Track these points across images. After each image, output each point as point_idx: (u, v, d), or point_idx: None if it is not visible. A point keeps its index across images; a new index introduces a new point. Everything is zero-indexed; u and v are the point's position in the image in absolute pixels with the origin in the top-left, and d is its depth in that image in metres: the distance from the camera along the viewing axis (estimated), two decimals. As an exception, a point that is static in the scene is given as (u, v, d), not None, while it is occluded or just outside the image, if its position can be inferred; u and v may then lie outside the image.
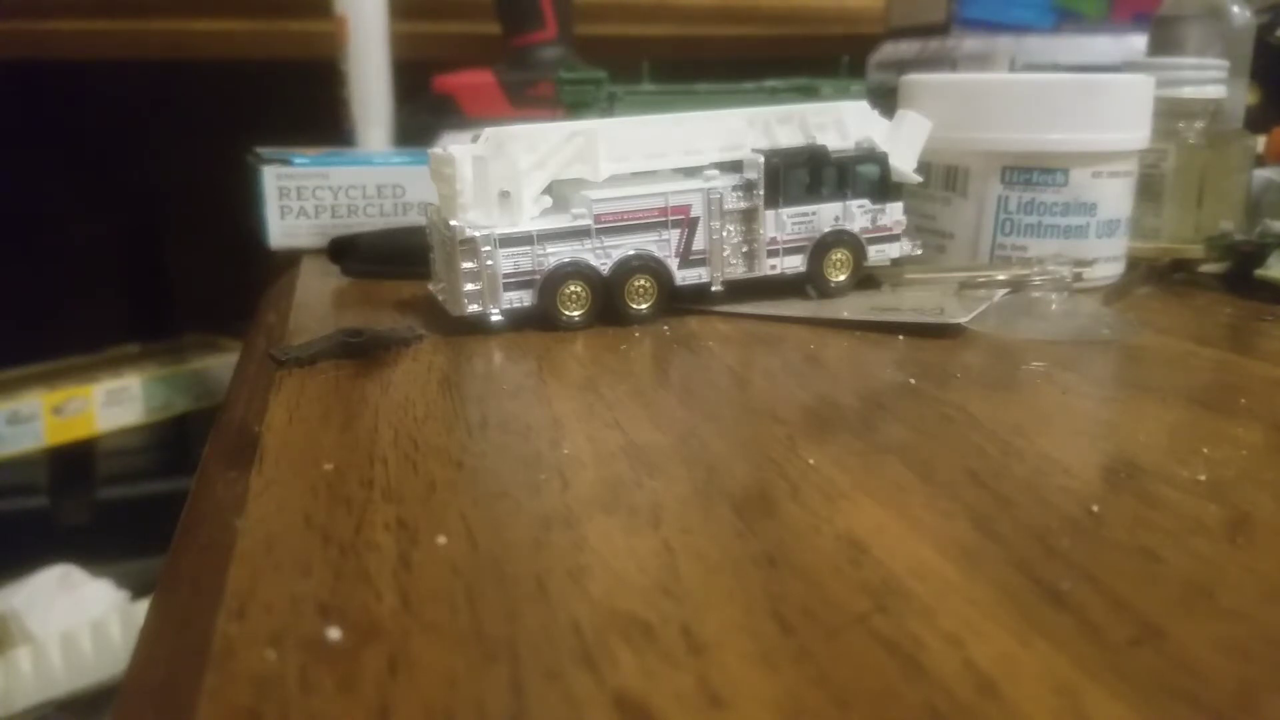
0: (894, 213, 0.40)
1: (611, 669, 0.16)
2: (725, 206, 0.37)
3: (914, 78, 0.45)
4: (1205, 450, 0.25)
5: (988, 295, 0.38)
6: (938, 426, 0.27)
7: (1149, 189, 0.46)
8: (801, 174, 0.38)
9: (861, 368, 0.32)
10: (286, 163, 0.51)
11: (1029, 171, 0.41)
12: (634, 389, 0.30)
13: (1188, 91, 0.46)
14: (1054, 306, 0.39)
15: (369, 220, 0.52)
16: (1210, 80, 0.46)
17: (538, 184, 0.36)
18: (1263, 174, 0.50)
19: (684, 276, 0.38)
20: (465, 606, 0.17)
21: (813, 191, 0.39)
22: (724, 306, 0.38)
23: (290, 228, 0.51)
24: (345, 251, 0.47)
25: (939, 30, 0.66)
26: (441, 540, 0.20)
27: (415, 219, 0.51)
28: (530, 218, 0.36)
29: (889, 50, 0.70)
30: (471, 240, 0.35)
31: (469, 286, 0.35)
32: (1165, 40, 0.50)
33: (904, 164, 0.40)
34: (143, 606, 0.72)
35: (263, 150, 0.52)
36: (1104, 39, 0.63)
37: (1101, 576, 0.18)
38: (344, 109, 0.69)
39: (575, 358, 0.33)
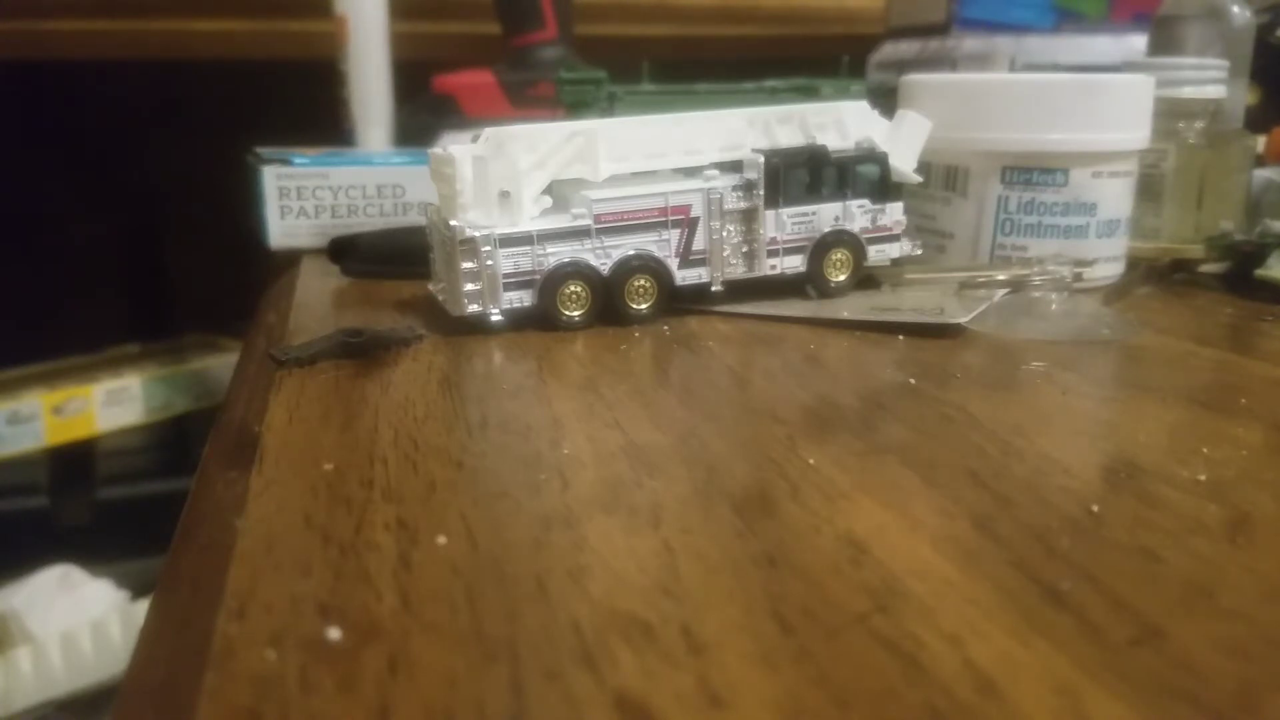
0: (894, 213, 0.40)
1: (611, 669, 0.16)
2: (725, 206, 0.37)
3: (914, 78, 0.45)
4: (1205, 450, 0.25)
5: (988, 295, 0.38)
6: (938, 426, 0.27)
7: (1149, 189, 0.46)
8: (801, 174, 0.38)
9: (861, 368, 0.32)
10: (286, 163, 0.51)
11: (1029, 171, 0.41)
12: (634, 389, 0.30)
13: (1188, 91, 0.46)
14: (1054, 306, 0.39)
15: (369, 220, 0.52)
16: (1210, 80, 0.46)
17: (538, 184, 0.36)
18: (1263, 174, 0.50)
19: (684, 276, 0.38)
20: (465, 606, 0.17)
21: (813, 191, 0.39)
22: (724, 306, 0.38)
23: (290, 228, 0.51)
24: (345, 251, 0.47)
25: (939, 30, 0.66)
26: (441, 540, 0.20)
27: (415, 219, 0.51)
28: (530, 218, 0.36)
29: (889, 50, 0.70)
30: (471, 240, 0.35)
31: (469, 286, 0.35)
32: (1165, 40, 0.50)
33: (904, 164, 0.40)
34: (143, 606, 0.72)
35: (263, 150, 0.52)
36: (1104, 39, 0.63)
37: (1101, 576, 0.18)
38: (344, 109, 0.69)
39: (575, 358, 0.33)
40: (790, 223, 0.38)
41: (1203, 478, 0.23)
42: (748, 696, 0.15)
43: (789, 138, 0.39)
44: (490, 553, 0.19)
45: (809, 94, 0.54)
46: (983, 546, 0.20)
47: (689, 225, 0.37)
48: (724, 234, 0.38)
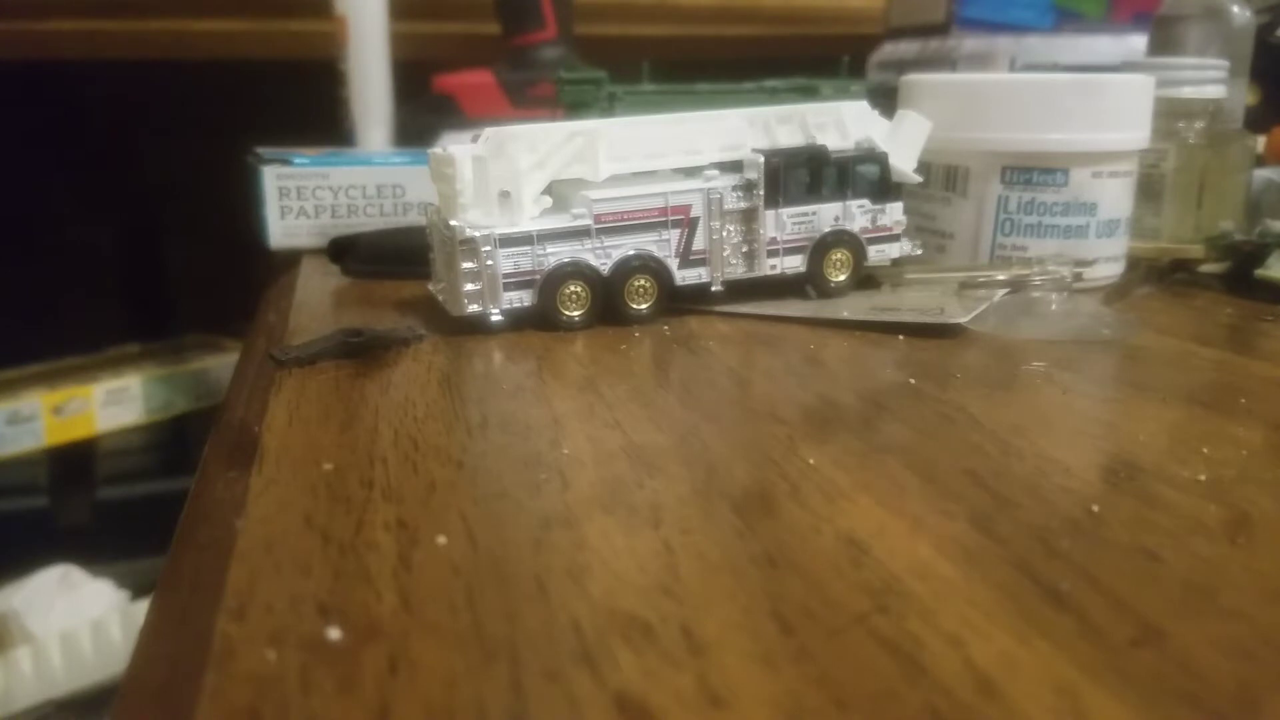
0: (894, 213, 0.40)
1: (611, 669, 0.16)
2: (725, 206, 0.37)
3: (914, 78, 0.45)
4: (1205, 450, 0.25)
5: (988, 295, 0.38)
6: (938, 426, 0.27)
7: (1149, 189, 0.46)
8: (801, 174, 0.38)
9: (861, 368, 0.32)
10: (286, 163, 0.51)
11: (1029, 171, 0.41)
12: (634, 389, 0.30)
13: (1188, 91, 0.46)
14: (1054, 306, 0.39)
15: (369, 220, 0.52)
16: (1210, 80, 0.46)
17: (538, 184, 0.36)
18: (1263, 174, 0.50)
19: (684, 276, 0.38)
20: (465, 606, 0.17)
21: (813, 191, 0.39)
22: (724, 306, 0.38)
23: (290, 228, 0.51)
24: (345, 251, 0.47)
25: (939, 30, 0.66)
26: (441, 540, 0.20)
27: (415, 219, 0.51)
28: (530, 218, 0.36)
29: (889, 50, 0.70)
30: (471, 240, 0.35)
31: (469, 286, 0.35)
32: (1165, 40, 0.50)
33: (904, 164, 0.40)
34: (143, 606, 0.72)
35: (263, 150, 0.52)
36: (1104, 39, 0.63)
37: (1101, 576, 0.18)
38: (344, 109, 0.69)
39: (575, 358, 0.33)
40: (790, 223, 0.38)
41: (1203, 478, 0.23)
42: (748, 696, 0.15)
43: (789, 138, 0.39)
44: (490, 553, 0.19)
45: (809, 94, 0.54)
46: (983, 546, 0.20)
47: (689, 225, 0.37)
48: (724, 234, 0.38)
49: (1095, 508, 0.21)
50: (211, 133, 0.79)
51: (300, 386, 0.30)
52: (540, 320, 0.36)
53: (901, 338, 0.35)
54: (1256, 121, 0.52)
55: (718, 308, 0.38)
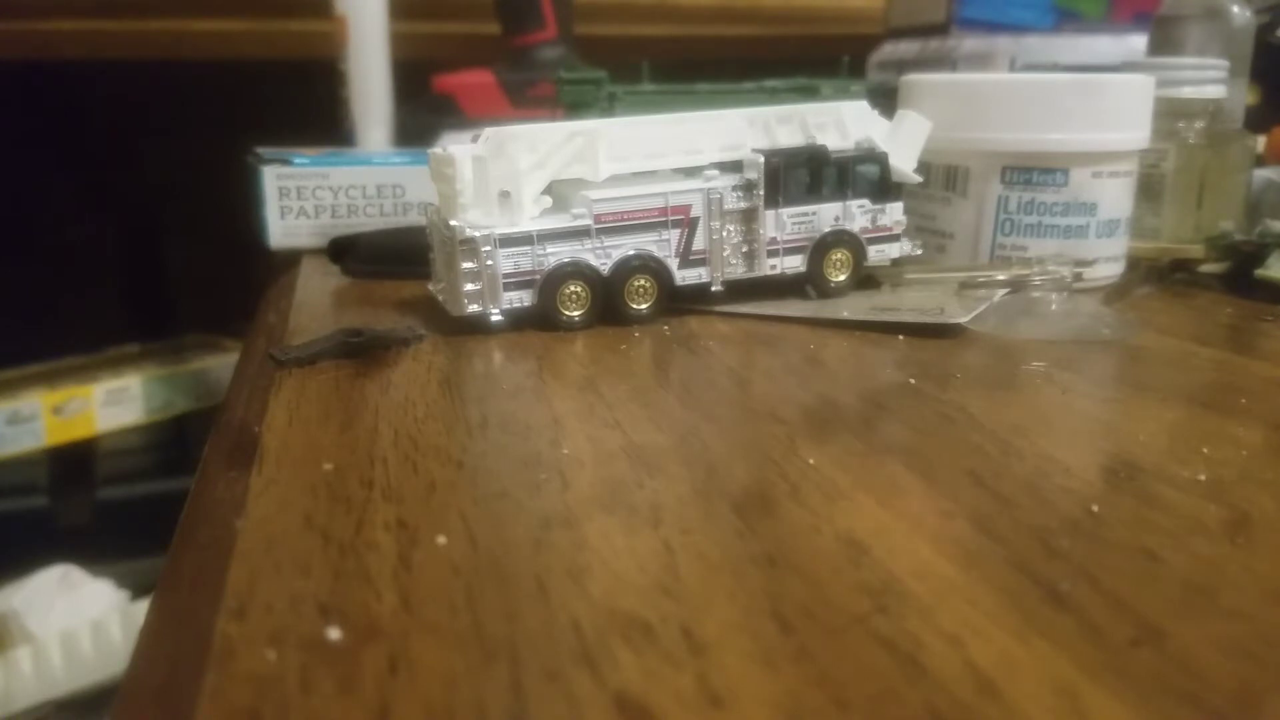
0: (894, 213, 0.40)
1: (611, 669, 0.16)
2: (725, 206, 0.37)
3: (914, 78, 0.45)
4: (1205, 450, 0.25)
5: (988, 295, 0.38)
6: (938, 426, 0.27)
7: (1149, 189, 0.46)
8: (801, 174, 0.38)
9: (861, 368, 0.32)
10: (286, 163, 0.51)
11: (1029, 171, 0.41)
12: (634, 389, 0.30)
13: (1188, 91, 0.46)
14: (1054, 306, 0.39)
15: (369, 220, 0.52)
16: (1210, 80, 0.46)
17: (538, 184, 0.36)
18: (1263, 174, 0.50)
19: (684, 276, 0.38)
20: (465, 606, 0.17)
21: (813, 191, 0.39)
22: (724, 306, 0.38)
23: (290, 228, 0.51)
24: (345, 251, 0.47)
25: (939, 30, 0.66)
26: (441, 540, 0.20)
27: (415, 219, 0.51)
28: (530, 218, 0.36)
29: (889, 50, 0.70)
30: (471, 240, 0.35)
31: (469, 286, 0.35)
32: (1165, 40, 0.50)
33: (904, 164, 0.40)
34: (143, 606, 0.72)
35: (263, 150, 0.52)
36: (1104, 39, 0.63)
37: (1101, 577, 0.18)
38: (344, 109, 0.69)
39: (575, 358, 0.33)
40: (790, 223, 0.38)
41: (1203, 478, 0.23)
42: (748, 696, 0.15)
43: (789, 138, 0.39)
44: (490, 553, 0.19)
45: (809, 94, 0.54)
46: (983, 546, 0.20)
47: (689, 225, 0.37)
48: (724, 234, 0.38)
49: (1095, 508, 0.21)
50: (211, 133, 0.79)
51: (300, 386, 0.30)
52: (540, 320, 0.36)
53: (901, 338, 0.35)
54: (1256, 121, 0.52)
55: (718, 308, 0.38)
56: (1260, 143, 0.51)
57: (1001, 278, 0.40)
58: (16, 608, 0.78)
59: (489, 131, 0.36)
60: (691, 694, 0.15)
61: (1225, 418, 0.27)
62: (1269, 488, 0.23)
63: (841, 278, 0.40)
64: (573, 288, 0.36)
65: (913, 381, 0.30)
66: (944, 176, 0.43)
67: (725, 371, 0.31)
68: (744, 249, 0.38)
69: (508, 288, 0.36)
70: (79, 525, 0.96)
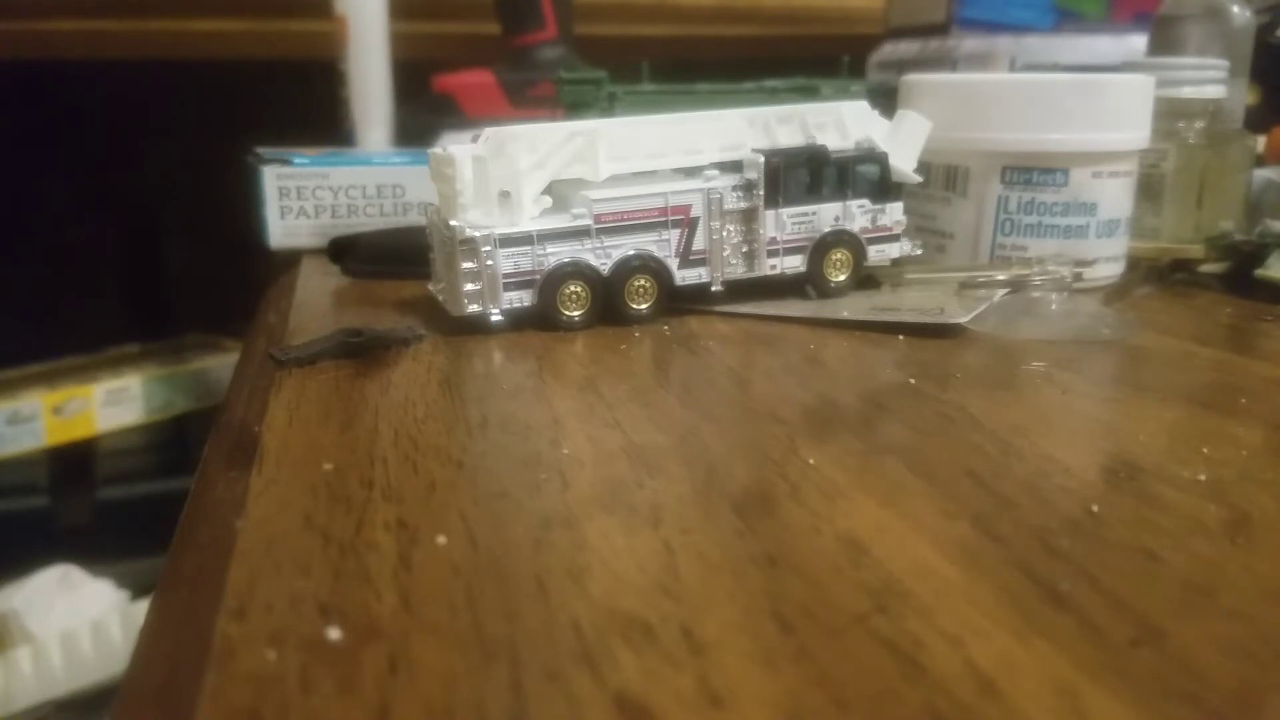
0: (894, 213, 0.40)
1: (611, 669, 0.16)
2: (725, 206, 0.37)
3: (914, 78, 0.45)
4: (1205, 450, 0.25)
5: (988, 295, 0.38)
6: (938, 426, 0.27)
7: (1149, 189, 0.46)
8: (801, 174, 0.38)
9: (861, 368, 0.32)
10: (286, 163, 0.51)
11: (1029, 171, 0.41)
12: (634, 389, 0.30)
13: (1188, 91, 0.46)
14: (1054, 306, 0.39)
15: (369, 220, 0.52)
16: (1210, 80, 0.46)
17: (538, 184, 0.36)
18: (1263, 174, 0.50)
19: (684, 276, 0.38)
20: (465, 606, 0.17)
21: (813, 191, 0.39)
22: (724, 306, 0.38)
23: (290, 228, 0.51)
24: (345, 251, 0.47)
25: (939, 30, 0.66)
26: (441, 540, 0.20)
27: (415, 219, 0.51)
28: (530, 218, 0.36)
29: (889, 50, 0.70)
30: (471, 240, 0.35)
31: (469, 286, 0.35)
32: (1165, 40, 0.50)
33: (904, 164, 0.40)
34: (143, 606, 0.72)
35: (263, 150, 0.52)
36: (1104, 39, 0.63)
37: (1101, 576, 0.18)
38: (344, 109, 0.69)
39: (575, 358, 0.33)
40: (790, 223, 0.38)
41: (1203, 478, 0.23)
42: (748, 696, 0.15)
43: (789, 138, 0.39)
44: (490, 553, 0.19)
45: (809, 94, 0.54)
46: (983, 546, 0.20)
47: (689, 225, 0.37)
48: (724, 234, 0.38)
49: (1095, 508, 0.21)
50: (211, 133, 0.79)
51: (300, 386, 0.30)
52: (540, 320, 0.36)
53: (901, 338, 0.35)
54: (1256, 121, 0.52)
55: (718, 308, 0.38)
56: (1260, 143, 0.51)
57: (1001, 278, 0.40)
58: (16, 608, 0.78)
59: (489, 131, 0.36)
60: (691, 694, 0.15)
61: (1225, 418, 0.27)
62: (1269, 488, 0.23)
63: (841, 278, 0.40)
64: (573, 288, 0.36)
65: (913, 381, 0.30)
66: (944, 176, 0.43)
67: (725, 371, 0.31)
68: (744, 249, 0.38)
69: (508, 288, 0.36)
70: (79, 525, 0.96)
